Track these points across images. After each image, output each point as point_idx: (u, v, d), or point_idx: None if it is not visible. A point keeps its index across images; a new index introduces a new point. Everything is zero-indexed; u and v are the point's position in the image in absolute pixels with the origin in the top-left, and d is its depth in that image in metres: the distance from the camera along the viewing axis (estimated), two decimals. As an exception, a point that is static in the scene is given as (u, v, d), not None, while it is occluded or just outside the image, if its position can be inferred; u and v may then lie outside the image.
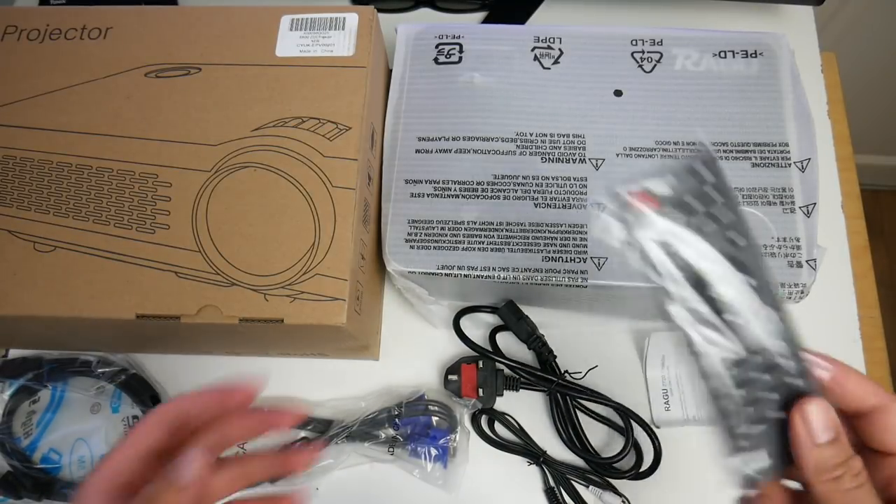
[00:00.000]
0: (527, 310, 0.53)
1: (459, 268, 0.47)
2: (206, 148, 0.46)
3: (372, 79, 0.49)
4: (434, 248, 0.48)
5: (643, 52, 0.52)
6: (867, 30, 1.04)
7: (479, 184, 0.49)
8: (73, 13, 0.51)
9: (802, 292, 0.45)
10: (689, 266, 0.27)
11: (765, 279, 0.27)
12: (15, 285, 0.45)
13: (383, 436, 0.51)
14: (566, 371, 0.52)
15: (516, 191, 0.49)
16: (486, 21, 0.65)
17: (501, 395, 0.52)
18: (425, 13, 0.66)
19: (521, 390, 0.52)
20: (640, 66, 0.52)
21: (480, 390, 0.51)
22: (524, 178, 0.49)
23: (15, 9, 0.53)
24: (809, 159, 0.48)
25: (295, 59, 0.49)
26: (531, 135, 0.50)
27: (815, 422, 0.27)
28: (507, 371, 0.52)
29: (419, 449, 0.50)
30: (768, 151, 0.48)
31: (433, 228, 0.48)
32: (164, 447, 0.33)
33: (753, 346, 0.27)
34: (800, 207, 0.47)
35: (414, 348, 0.55)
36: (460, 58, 0.53)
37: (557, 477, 0.50)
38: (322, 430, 0.52)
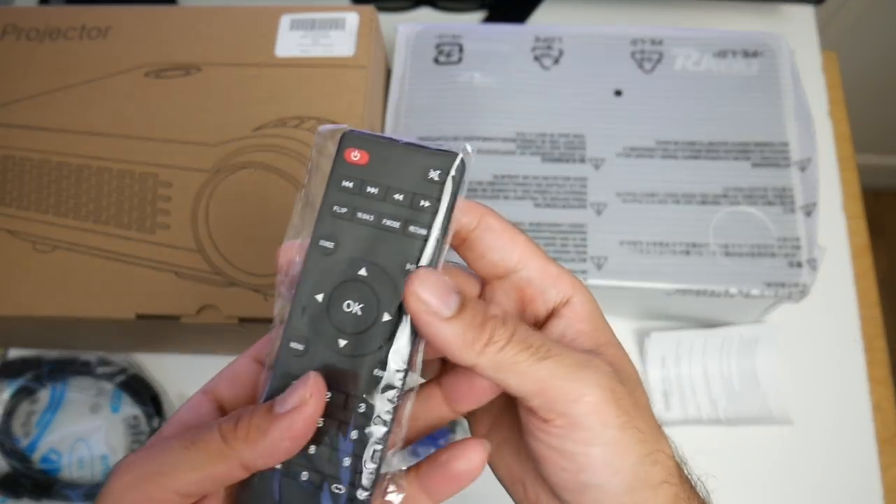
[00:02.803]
0: (527, 310, 0.53)
1: (459, 268, 0.47)
2: (206, 148, 0.46)
3: (372, 79, 0.49)
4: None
5: (643, 51, 0.52)
6: (868, 29, 1.04)
7: (479, 184, 0.49)
8: (72, 13, 0.51)
9: (802, 292, 0.45)
10: None
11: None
12: (15, 285, 0.45)
13: (383, 436, 0.51)
14: (566, 371, 0.52)
15: (516, 191, 0.49)
16: (486, 21, 0.65)
17: (501, 395, 0.52)
18: (425, 13, 0.66)
19: (521, 390, 0.52)
20: (640, 66, 0.52)
21: (480, 390, 0.51)
22: (524, 178, 0.49)
23: (14, 8, 0.53)
24: (810, 159, 0.48)
25: (295, 59, 0.48)
26: (531, 135, 0.50)
27: (430, 299, 0.22)
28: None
29: (419, 448, 0.50)
30: (768, 151, 0.48)
31: (433, 228, 0.48)
32: None
33: None
34: (800, 207, 0.47)
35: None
36: (460, 58, 0.53)
37: (557, 477, 0.50)
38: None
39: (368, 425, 0.23)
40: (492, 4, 0.65)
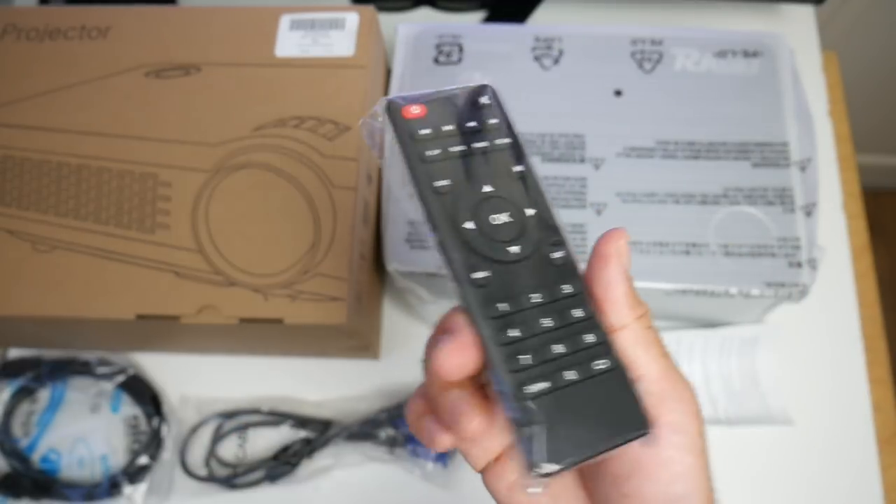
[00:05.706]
0: (527, 310, 0.53)
1: (459, 268, 0.47)
2: (206, 148, 0.46)
3: (372, 79, 0.49)
4: (434, 248, 0.48)
5: (643, 52, 0.52)
6: (868, 29, 1.04)
7: (479, 184, 0.49)
8: (72, 13, 0.51)
9: (802, 292, 0.45)
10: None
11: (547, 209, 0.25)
12: (15, 285, 0.45)
13: (383, 436, 0.51)
14: (566, 371, 0.52)
15: (516, 191, 0.49)
16: (486, 21, 0.65)
17: (501, 395, 0.52)
18: (425, 13, 0.66)
19: (521, 390, 0.52)
20: (640, 66, 0.52)
21: (481, 390, 0.51)
22: (524, 177, 0.49)
23: (14, 8, 0.53)
24: (810, 159, 0.48)
25: (295, 59, 0.48)
26: (531, 135, 0.50)
27: (625, 250, 0.24)
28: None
29: (419, 449, 0.50)
30: (768, 151, 0.48)
31: (433, 228, 0.48)
32: None
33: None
34: (800, 207, 0.47)
35: (414, 348, 0.55)
36: (460, 58, 0.53)
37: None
38: (322, 430, 0.52)
39: (577, 302, 0.24)
40: (492, 4, 0.65)
